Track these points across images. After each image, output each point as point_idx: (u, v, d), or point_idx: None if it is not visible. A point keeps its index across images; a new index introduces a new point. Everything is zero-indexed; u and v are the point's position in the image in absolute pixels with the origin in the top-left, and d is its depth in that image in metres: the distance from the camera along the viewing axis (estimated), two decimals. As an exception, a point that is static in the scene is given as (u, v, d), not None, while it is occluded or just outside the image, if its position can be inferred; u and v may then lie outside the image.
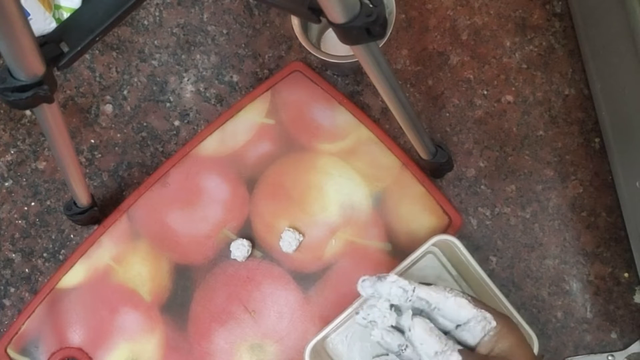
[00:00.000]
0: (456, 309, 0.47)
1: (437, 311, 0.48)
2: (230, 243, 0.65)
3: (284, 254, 0.65)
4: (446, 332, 0.49)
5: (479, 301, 0.49)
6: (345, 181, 0.66)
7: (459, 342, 0.49)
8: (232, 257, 0.65)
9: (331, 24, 0.41)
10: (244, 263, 0.65)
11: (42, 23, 0.67)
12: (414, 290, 0.47)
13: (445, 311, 0.48)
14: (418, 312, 0.49)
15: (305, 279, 0.65)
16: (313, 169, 0.67)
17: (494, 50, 0.70)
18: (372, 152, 0.67)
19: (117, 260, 0.65)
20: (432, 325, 0.47)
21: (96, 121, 0.71)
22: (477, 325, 0.47)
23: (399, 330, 0.48)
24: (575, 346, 0.65)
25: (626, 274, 0.66)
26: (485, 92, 0.70)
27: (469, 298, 0.48)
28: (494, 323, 0.47)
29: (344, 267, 0.64)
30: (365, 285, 0.49)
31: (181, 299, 0.65)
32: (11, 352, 0.64)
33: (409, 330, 0.47)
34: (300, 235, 0.65)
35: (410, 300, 0.48)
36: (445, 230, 0.65)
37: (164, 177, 0.67)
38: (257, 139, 0.68)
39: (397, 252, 0.64)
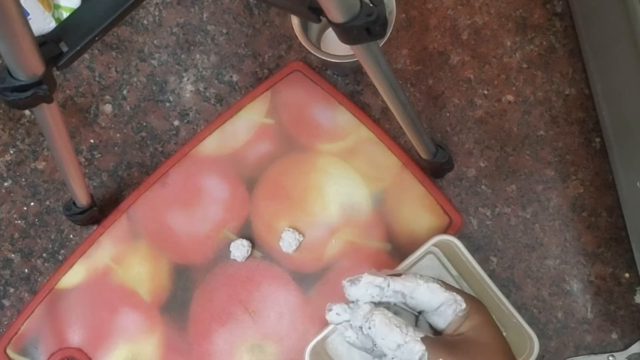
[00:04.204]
0: (429, 295, 0.47)
1: (410, 299, 0.48)
2: (230, 243, 0.65)
3: (284, 254, 0.65)
4: (418, 313, 0.50)
5: (448, 285, 0.49)
6: (345, 181, 0.66)
7: (430, 325, 0.49)
8: (232, 257, 0.65)
9: (331, 23, 0.41)
10: (244, 263, 0.65)
11: (42, 22, 0.67)
12: (389, 285, 0.47)
13: (419, 298, 0.48)
14: (392, 304, 0.49)
15: (305, 279, 0.64)
16: (313, 169, 0.66)
17: (495, 50, 0.70)
18: (372, 152, 0.67)
19: (117, 260, 0.65)
20: (391, 315, 0.46)
21: (95, 121, 0.71)
22: (448, 309, 0.47)
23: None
24: (575, 346, 0.65)
25: (627, 274, 0.66)
26: (486, 92, 0.70)
27: (440, 282, 0.48)
28: (464, 305, 0.47)
29: (344, 267, 0.64)
30: (334, 313, 0.48)
31: (181, 299, 0.65)
32: (10, 353, 0.64)
33: (369, 327, 0.46)
34: (300, 235, 0.65)
35: (386, 296, 0.47)
36: (445, 231, 0.65)
37: (164, 177, 0.67)
38: (257, 139, 0.67)
39: (397, 252, 0.64)
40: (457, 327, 0.47)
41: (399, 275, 0.49)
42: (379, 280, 0.47)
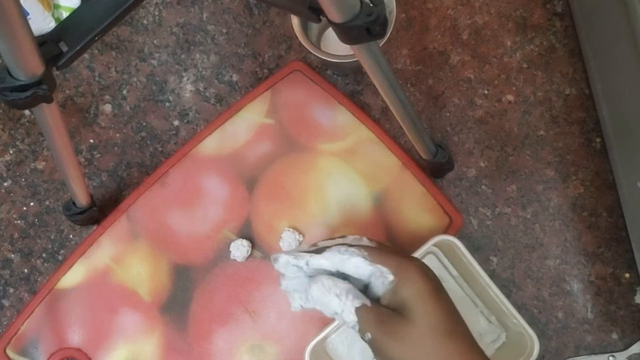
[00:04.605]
0: (354, 269, 0.46)
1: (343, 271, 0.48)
2: (230, 243, 0.65)
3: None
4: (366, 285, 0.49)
5: (379, 254, 0.46)
6: (345, 181, 0.66)
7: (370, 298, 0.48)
8: (231, 257, 0.64)
9: (331, 23, 0.41)
10: (244, 263, 0.65)
11: (41, 22, 0.67)
12: (307, 264, 0.47)
13: (348, 272, 0.47)
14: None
15: (305, 279, 0.64)
16: (313, 169, 0.66)
17: (495, 50, 0.70)
18: (372, 152, 0.67)
19: (117, 260, 0.65)
20: (332, 283, 0.46)
21: (95, 121, 0.71)
22: (377, 281, 0.46)
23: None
24: (576, 347, 0.65)
25: (627, 275, 0.66)
26: (486, 92, 0.70)
27: (366, 254, 0.46)
28: (390, 277, 0.45)
29: (344, 267, 0.64)
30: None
31: (181, 299, 0.64)
32: (10, 353, 0.64)
33: (306, 297, 0.47)
34: (300, 235, 0.64)
35: (309, 273, 0.48)
36: (445, 231, 0.64)
37: (164, 177, 0.67)
38: (257, 139, 0.67)
39: (398, 252, 0.64)
40: (390, 299, 0.45)
41: (324, 248, 0.49)
42: (294, 261, 0.48)
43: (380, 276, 0.45)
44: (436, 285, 0.45)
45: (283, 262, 0.48)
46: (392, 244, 0.64)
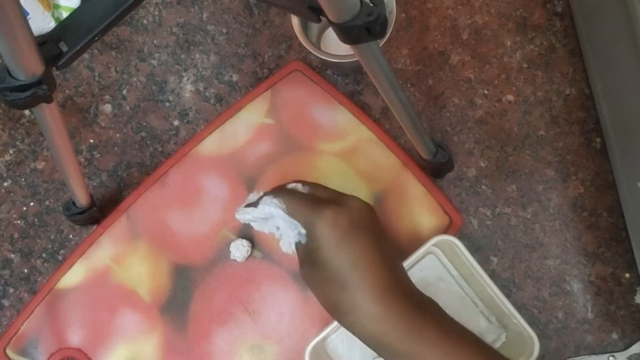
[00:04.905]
0: (280, 219, 0.48)
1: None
2: (230, 243, 0.65)
3: (284, 254, 0.64)
4: None
5: (296, 205, 0.47)
6: (345, 181, 0.66)
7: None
8: (231, 257, 0.64)
9: (331, 23, 0.41)
10: (244, 263, 0.65)
11: (41, 22, 0.67)
12: (254, 217, 0.50)
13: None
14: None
15: (305, 279, 0.64)
16: (313, 169, 0.66)
17: (495, 50, 0.70)
18: (372, 152, 0.66)
19: (117, 260, 0.65)
20: (284, 216, 0.48)
21: (95, 121, 0.71)
22: (293, 232, 0.47)
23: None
24: (576, 347, 0.65)
25: (627, 275, 0.66)
26: (486, 92, 0.70)
27: (284, 206, 0.47)
28: (303, 231, 0.46)
29: (344, 267, 0.64)
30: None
31: (181, 299, 0.64)
32: (10, 353, 0.64)
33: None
34: (300, 235, 0.64)
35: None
36: (445, 231, 0.64)
37: (164, 177, 0.67)
38: (256, 139, 0.67)
39: (398, 252, 0.64)
40: (308, 251, 0.47)
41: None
42: (245, 217, 0.51)
43: (295, 228, 0.47)
44: (341, 235, 0.45)
45: (240, 218, 0.51)
46: (392, 243, 0.64)
